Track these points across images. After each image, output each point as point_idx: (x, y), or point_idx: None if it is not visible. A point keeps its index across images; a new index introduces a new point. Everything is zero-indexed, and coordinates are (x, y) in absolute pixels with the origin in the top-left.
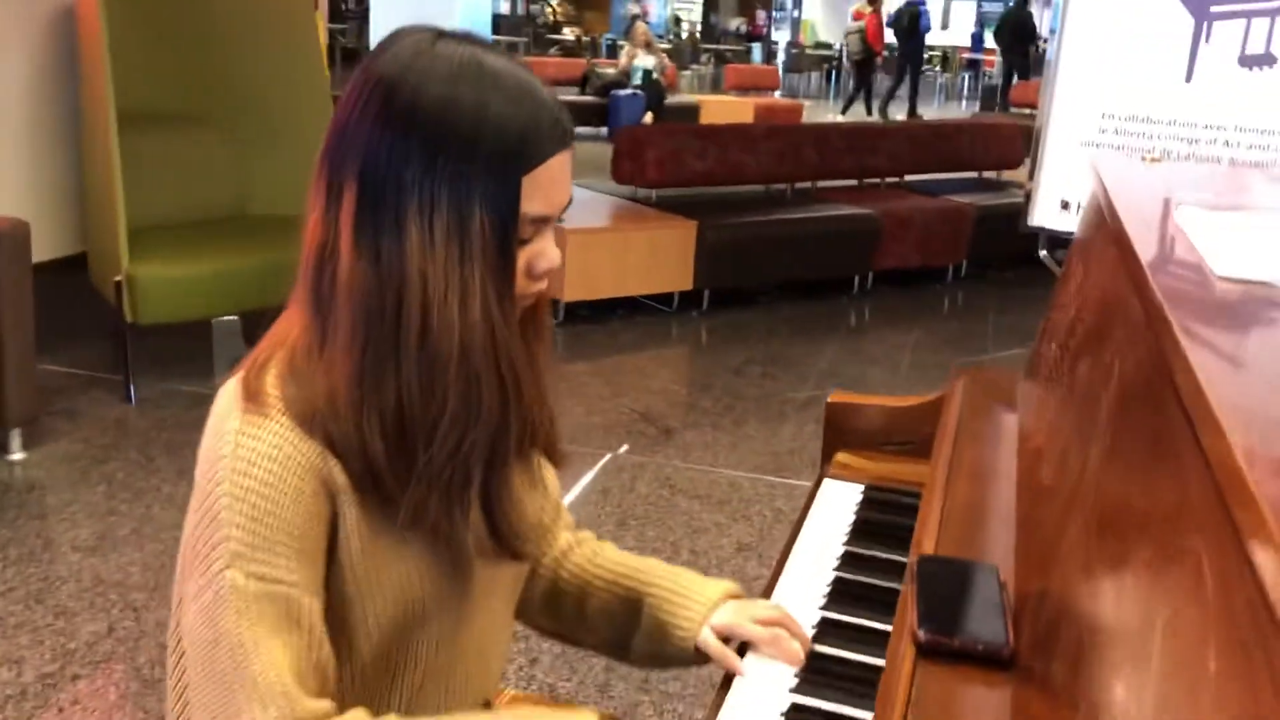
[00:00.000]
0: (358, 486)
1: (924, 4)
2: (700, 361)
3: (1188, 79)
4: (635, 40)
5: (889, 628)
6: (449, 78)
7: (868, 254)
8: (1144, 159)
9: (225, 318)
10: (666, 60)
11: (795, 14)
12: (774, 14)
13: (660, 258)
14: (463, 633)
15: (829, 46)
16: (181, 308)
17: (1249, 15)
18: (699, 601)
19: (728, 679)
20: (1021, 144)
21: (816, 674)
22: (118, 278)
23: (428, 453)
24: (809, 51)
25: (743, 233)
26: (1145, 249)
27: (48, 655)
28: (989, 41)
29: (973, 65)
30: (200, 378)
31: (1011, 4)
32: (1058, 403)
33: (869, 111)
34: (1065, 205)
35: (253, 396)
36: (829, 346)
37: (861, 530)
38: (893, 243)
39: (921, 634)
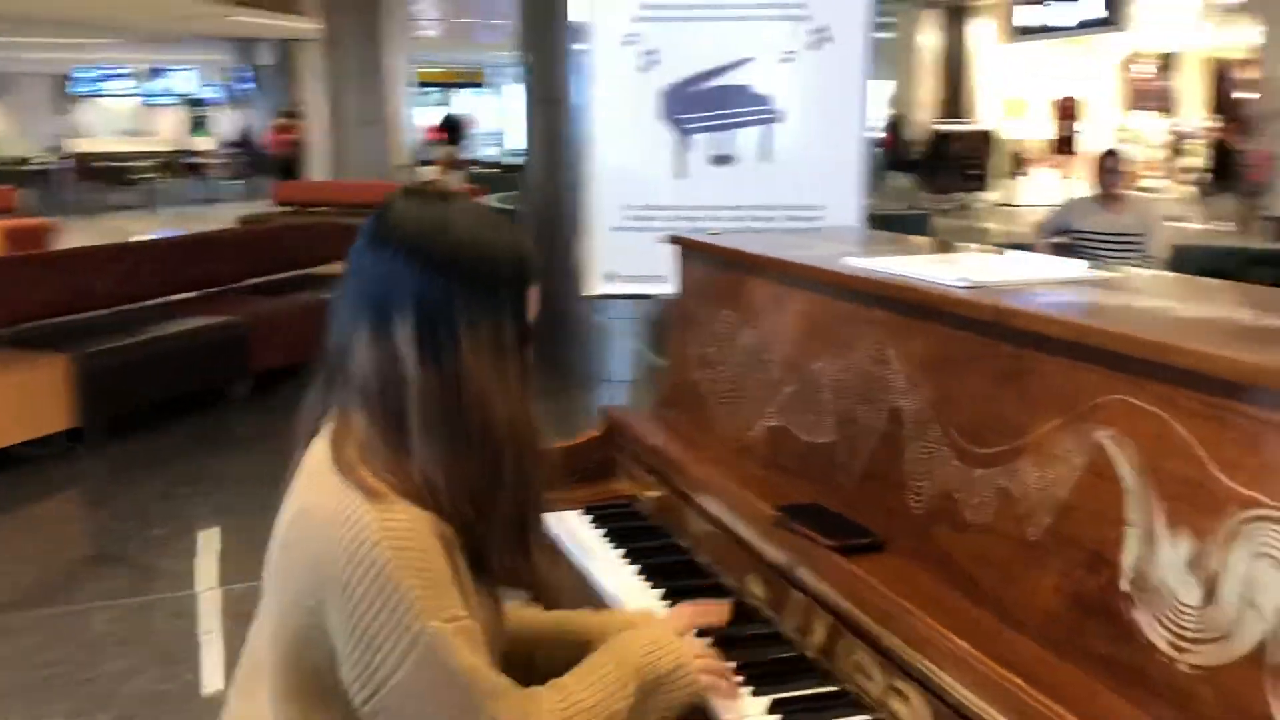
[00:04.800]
0: (461, 541)
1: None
2: (126, 495)
3: (679, 175)
4: None
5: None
6: (470, 228)
7: (242, 359)
8: (710, 232)
9: None
10: None
11: None
12: None
13: (31, 399)
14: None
15: (26, 160)
16: None
17: (712, 129)
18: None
19: None
20: (340, 241)
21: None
22: None
23: (498, 512)
24: (21, 168)
25: (123, 356)
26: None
27: None
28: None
29: (194, 169)
30: None
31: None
32: (794, 393)
33: None
34: (609, 277)
35: (370, 492)
36: (250, 451)
37: (616, 535)
38: (263, 345)
39: (835, 544)
